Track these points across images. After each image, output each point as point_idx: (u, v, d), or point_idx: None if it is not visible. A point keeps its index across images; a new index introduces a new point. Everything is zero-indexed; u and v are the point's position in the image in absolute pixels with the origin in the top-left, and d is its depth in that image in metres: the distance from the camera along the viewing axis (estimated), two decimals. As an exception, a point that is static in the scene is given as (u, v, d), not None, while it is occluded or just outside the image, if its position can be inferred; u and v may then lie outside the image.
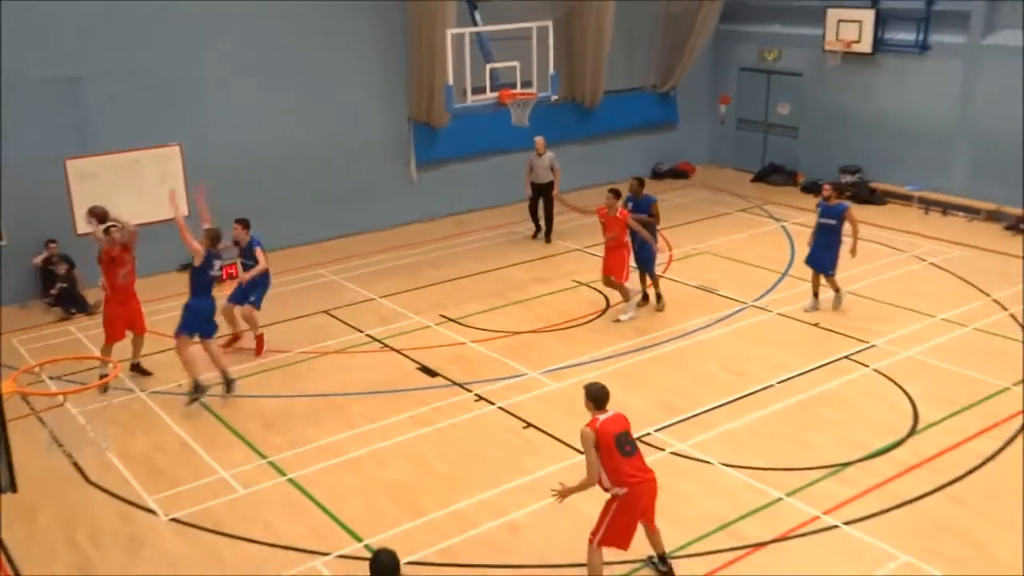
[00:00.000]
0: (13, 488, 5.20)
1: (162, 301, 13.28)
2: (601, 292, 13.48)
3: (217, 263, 10.96)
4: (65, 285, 13.75)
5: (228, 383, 10.90)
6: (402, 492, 9.01)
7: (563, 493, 7.29)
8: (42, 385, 10.58)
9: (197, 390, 10.69)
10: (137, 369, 11.55)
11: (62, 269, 13.81)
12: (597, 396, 7.20)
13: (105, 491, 9.16)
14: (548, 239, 16.64)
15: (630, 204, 13.27)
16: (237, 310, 12.13)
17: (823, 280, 12.97)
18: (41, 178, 13.77)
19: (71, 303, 13.65)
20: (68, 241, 13.81)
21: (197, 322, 10.78)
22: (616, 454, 7.02)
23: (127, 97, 14.42)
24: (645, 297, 13.53)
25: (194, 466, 9.56)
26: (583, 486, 7.17)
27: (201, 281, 10.78)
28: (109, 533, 8.49)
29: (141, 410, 10.70)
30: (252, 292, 12.07)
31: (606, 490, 7.15)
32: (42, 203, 13.80)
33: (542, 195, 16.48)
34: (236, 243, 12.06)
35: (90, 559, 8.14)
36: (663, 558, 7.62)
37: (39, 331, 13.16)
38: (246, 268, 12.14)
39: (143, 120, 14.59)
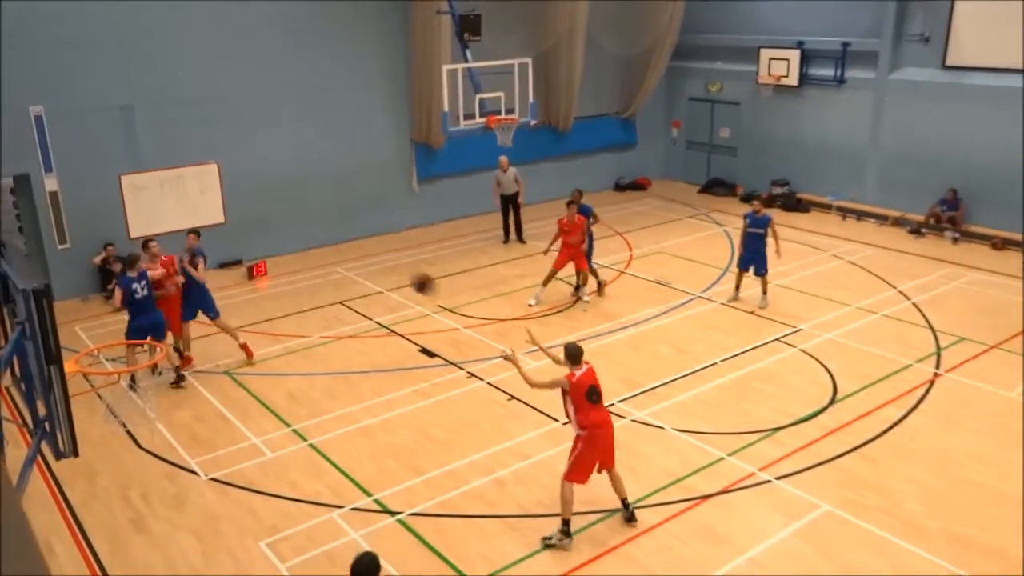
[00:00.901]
0: (76, 453, 5.11)
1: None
2: (572, 285, 13.41)
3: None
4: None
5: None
6: (406, 454, 8.95)
7: (511, 359, 7.33)
8: (100, 365, 10.48)
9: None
10: (177, 351, 11.35)
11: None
12: (574, 354, 7.33)
13: (154, 455, 9.06)
14: (521, 239, 16.53)
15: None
16: (193, 326, 11.10)
17: (751, 276, 12.91)
18: (100, 191, 13.62)
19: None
20: (123, 244, 13.62)
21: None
22: (585, 403, 7.19)
23: (172, 122, 14.21)
24: (599, 285, 13.52)
25: (229, 433, 9.48)
26: (523, 377, 7.23)
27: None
28: (157, 491, 8.41)
29: (184, 386, 10.59)
30: (200, 306, 11.00)
31: (575, 430, 7.30)
32: (101, 212, 13.66)
33: (510, 203, 16.41)
34: (188, 249, 10.83)
35: (141, 513, 8.06)
36: (625, 503, 7.64)
37: (97, 320, 12.99)
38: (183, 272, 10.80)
39: (185, 142, 14.39)
